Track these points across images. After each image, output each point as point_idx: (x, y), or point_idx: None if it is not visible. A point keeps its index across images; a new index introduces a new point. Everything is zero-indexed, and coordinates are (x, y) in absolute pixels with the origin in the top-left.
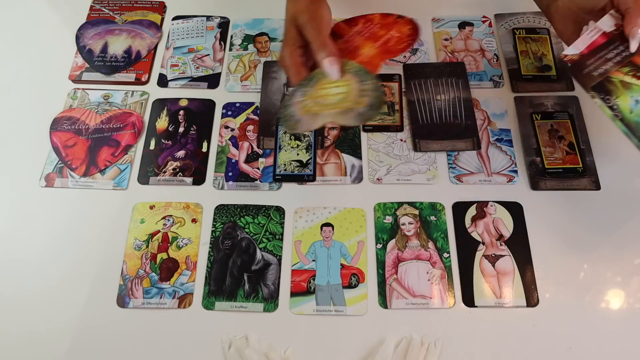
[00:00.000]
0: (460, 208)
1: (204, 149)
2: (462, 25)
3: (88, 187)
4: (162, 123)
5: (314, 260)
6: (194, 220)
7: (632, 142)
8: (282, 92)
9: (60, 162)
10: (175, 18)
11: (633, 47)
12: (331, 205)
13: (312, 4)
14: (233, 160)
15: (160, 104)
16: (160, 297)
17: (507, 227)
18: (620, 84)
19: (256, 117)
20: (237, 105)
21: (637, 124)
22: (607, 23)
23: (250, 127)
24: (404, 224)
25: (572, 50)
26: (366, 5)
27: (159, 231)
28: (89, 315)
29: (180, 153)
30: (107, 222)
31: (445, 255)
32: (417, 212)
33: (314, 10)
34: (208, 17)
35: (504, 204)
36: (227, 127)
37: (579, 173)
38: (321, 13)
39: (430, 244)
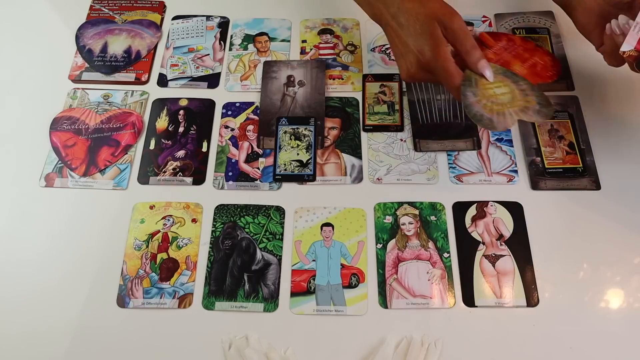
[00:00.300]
0: (460, 208)
1: (204, 149)
2: None
3: (88, 187)
4: (162, 123)
5: (314, 260)
6: (194, 220)
7: None
8: (282, 92)
9: (60, 162)
10: (175, 18)
11: None
12: (331, 205)
13: (446, 5)
14: (233, 160)
15: (160, 104)
16: (161, 297)
17: (507, 227)
18: None
19: (256, 117)
20: (237, 105)
21: None
22: None
23: (250, 127)
24: (404, 224)
25: (627, 46)
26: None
27: (159, 231)
28: (89, 315)
29: (180, 153)
30: (107, 222)
31: (446, 255)
32: (417, 212)
33: (454, 11)
34: (208, 17)
35: (504, 203)
36: (227, 127)
37: (579, 173)
38: (458, 14)
39: (431, 244)
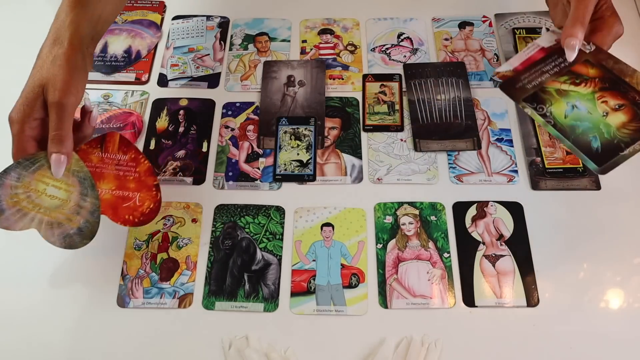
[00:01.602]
0: (460, 208)
1: (204, 149)
2: (462, 25)
3: None
4: (162, 123)
5: (314, 260)
6: (194, 220)
7: (565, 145)
8: (282, 92)
9: None
10: (175, 18)
11: (570, 57)
12: (331, 205)
13: (68, 84)
14: (233, 160)
15: (160, 104)
16: (161, 297)
17: (507, 227)
18: (555, 92)
19: (256, 117)
20: (237, 105)
21: (571, 127)
22: (546, 39)
23: (251, 127)
24: (404, 224)
25: (506, 67)
26: (365, 5)
27: (159, 231)
28: (89, 315)
29: (181, 153)
30: (107, 222)
31: (446, 255)
32: (417, 212)
33: (68, 96)
34: (208, 17)
35: (504, 203)
36: (227, 127)
37: (579, 173)
38: (75, 100)
39: (431, 244)
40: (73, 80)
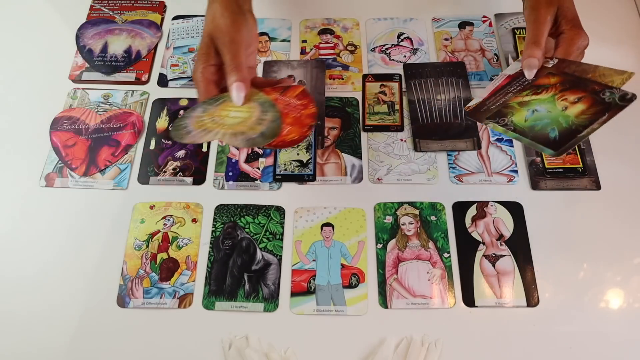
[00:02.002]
0: (460, 208)
1: (204, 149)
2: (462, 25)
3: (88, 187)
4: (162, 123)
5: (314, 260)
6: (194, 220)
7: (524, 143)
8: None
9: (60, 161)
10: (175, 18)
11: (528, 76)
12: (331, 205)
13: (232, 25)
14: (233, 160)
15: (160, 104)
16: (161, 297)
17: (507, 227)
18: (517, 104)
19: None
20: None
21: (530, 127)
22: (512, 68)
23: None
24: (404, 224)
25: (475, 100)
26: (365, 5)
27: (159, 231)
28: (89, 315)
29: (181, 153)
30: (107, 222)
31: (446, 255)
32: (417, 212)
33: (234, 33)
34: None
35: (504, 203)
36: None
37: (579, 173)
38: (241, 36)
39: (431, 244)
40: (235, 23)
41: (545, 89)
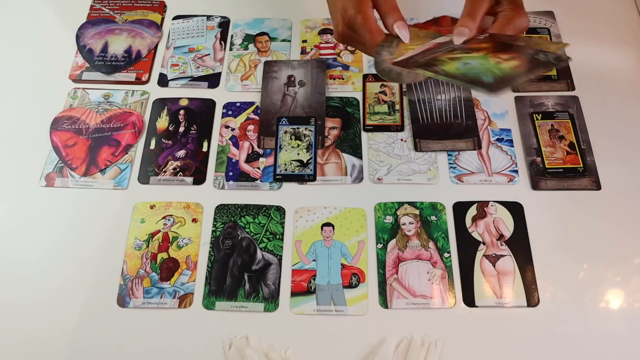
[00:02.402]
0: (460, 208)
1: (205, 149)
2: None
3: (88, 187)
4: (163, 123)
5: (314, 260)
6: (194, 220)
7: (456, 84)
8: (282, 92)
9: (60, 161)
10: (176, 18)
11: (457, 41)
12: (332, 205)
13: None
14: (233, 160)
15: (160, 104)
16: (161, 297)
17: (507, 227)
18: (448, 59)
19: (256, 117)
20: (238, 104)
21: (462, 74)
22: (444, 38)
23: (251, 127)
24: (404, 224)
25: (405, 56)
26: None
27: (159, 231)
28: (89, 315)
29: (181, 153)
30: (107, 222)
31: (446, 255)
32: (417, 212)
33: None
34: (208, 17)
35: (504, 203)
36: (227, 127)
37: (579, 173)
38: None
39: (431, 244)
40: None
41: (476, 50)
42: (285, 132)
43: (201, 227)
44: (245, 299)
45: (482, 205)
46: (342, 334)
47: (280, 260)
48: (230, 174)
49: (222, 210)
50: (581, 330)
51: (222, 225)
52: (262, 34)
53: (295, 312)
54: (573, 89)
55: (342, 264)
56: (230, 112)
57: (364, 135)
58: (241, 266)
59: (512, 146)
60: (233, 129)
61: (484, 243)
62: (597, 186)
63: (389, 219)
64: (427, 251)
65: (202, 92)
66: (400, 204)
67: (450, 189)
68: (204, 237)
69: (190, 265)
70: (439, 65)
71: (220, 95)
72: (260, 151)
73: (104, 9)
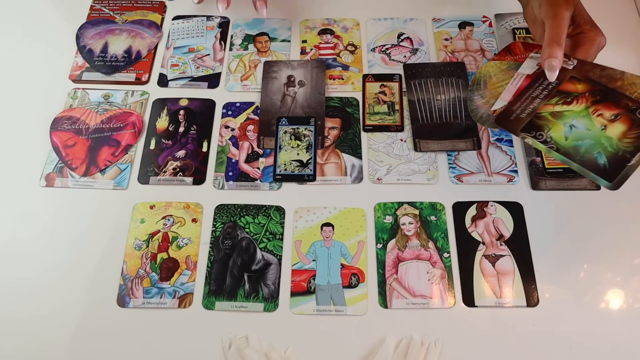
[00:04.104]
0: (460, 208)
1: (204, 149)
2: (462, 25)
3: (88, 187)
4: (163, 123)
5: (314, 260)
6: (194, 220)
7: (572, 167)
8: (282, 92)
9: (60, 161)
10: (176, 18)
11: (551, 78)
12: (331, 205)
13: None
14: (233, 160)
15: (160, 104)
16: (161, 297)
17: (507, 227)
18: (550, 115)
19: (256, 117)
20: (237, 105)
21: (574, 148)
22: (528, 66)
23: (251, 127)
24: (404, 224)
25: (500, 103)
26: (365, 5)
27: (159, 231)
28: (89, 315)
29: (181, 153)
30: (107, 222)
31: (446, 255)
32: (417, 212)
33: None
34: (208, 17)
35: (504, 203)
36: (227, 127)
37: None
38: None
39: (431, 244)
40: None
41: (575, 98)
42: (285, 132)
43: (201, 227)
44: (245, 299)
45: (482, 205)
46: (341, 334)
47: (280, 260)
48: (230, 174)
49: (221, 210)
50: (581, 330)
51: (222, 225)
52: (261, 34)
53: (295, 312)
54: None
55: (341, 264)
56: (230, 112)
57: (364, 135)
58: (241, 266)
59: (512, 146)
60: (233, 129)
61: (483, 243)
62: (597, 186)
63: (389, 219)
64: (426, 251)
65: (202, 92)
66: (400, 204)
67: (449, 189)
68: (203, 237)
69: (190, 265)
70: (545, 130)
71: (220, 96)
72: (260, 151)
73: (104, 9)
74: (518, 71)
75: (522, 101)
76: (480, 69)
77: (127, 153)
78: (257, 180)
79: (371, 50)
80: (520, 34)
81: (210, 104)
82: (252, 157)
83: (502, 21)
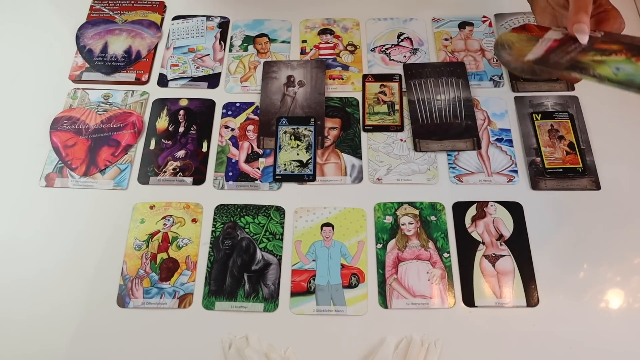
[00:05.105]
0: (460, 208)
1: (204, 149)
2: (462, 25)
3: (88, 187)
4: (162, 123)
5: (314, 260)
6: (194, 220)
7: (632, 92)
8: (282, 92)
9: (60, 162)
10: (175, 18)
11: (583, 40)
12: (331, 205)
13: None
14: (233, 160)
15: (160, 104)
16: (161, 297)
17: (507, 227)
18: (592, 62)
19: (256, 117)
20: (237, 105)
21: (628, 80)
22: (554, 34)
23: (251, 127)
24: (404, 224)
25: (532, 55)
26: (365, 5)
27: (159, 231)
28: (88, 316)
29: (181, 153)
30: (107, 222)
31: (446, 255)
32: (417, 212)
33: None
34: (208, 17)
35: (504, 203)
36: (227, 127)
37: (579, 173)
38: None
39: (431, 244)
40: None
41: (613, 52)
42: (285, 132)
43: (201, 227)
44: (245, 299)
45: (482, 205)
46: (341, 334)
47: (280, 260)
48: (230, 174)
49: (221, 210)
50: (581, 330)
51: (222, 226)
52: (261, 35)
53: (295, 312)
54: (572, 89)
55: (341, 264)
56: (230, 113)
57: (364, 135)
58: (241, 266)
59: (512, 146)
60: (233, 129)
61: (483, 243)
62: (597, 186)
63: (389, 219)
64: (426, 251)
65: (202, 92)
66: (400, 204)
67: (449, 189)
68: (203, 237)
69: (190, 266)
70: (591, 69)
71: (220, 96)
72: (260, 151)
73: (104, 9)
74: (545, 36)
75: (557, 54)
76: (500, 36)
77: (127, 153)
78: (257, 180)
79: (371, 50)
80: None
81: (210, 104)
82: (252, 157)
83: (502, 21)
